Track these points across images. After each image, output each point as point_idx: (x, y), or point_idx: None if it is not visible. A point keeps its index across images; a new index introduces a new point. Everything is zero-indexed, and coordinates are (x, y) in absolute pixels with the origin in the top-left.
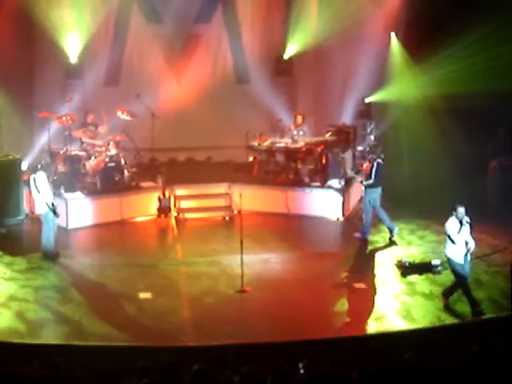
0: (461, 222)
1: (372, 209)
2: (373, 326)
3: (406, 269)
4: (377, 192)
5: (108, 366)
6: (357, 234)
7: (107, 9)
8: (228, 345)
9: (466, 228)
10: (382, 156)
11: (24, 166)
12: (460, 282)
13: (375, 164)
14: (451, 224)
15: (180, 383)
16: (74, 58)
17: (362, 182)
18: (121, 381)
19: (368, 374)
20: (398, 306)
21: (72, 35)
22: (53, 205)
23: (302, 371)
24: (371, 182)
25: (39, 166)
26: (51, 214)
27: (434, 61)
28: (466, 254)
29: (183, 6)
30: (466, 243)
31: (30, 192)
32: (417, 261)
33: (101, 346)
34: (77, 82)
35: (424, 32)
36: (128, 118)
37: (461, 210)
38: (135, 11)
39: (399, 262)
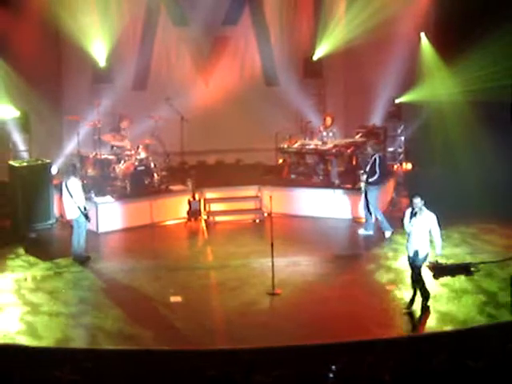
0: (415, 214)
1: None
2: (404, 328)
3: (438, 270)
4: (379, 189)
5: (138, 370)
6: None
7: (135, 13)
8: (259, 348)
9: (420, 221)
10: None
11: (54, 170)
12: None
13: (377, 159)
14: (406, 214)
15: None
16: (102, 63)
17: (366, 179)
18: None
19: (401, 376)
20: (429, 307)
21: (100, 39)
22: (85, 209)
23: (331, 375)
24: (376, 177)
25: (69, 171)
26: (83, 218)
27: (465, 61)
28: (416, 247)
29: (210, 9)
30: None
31: (61, 196)
32: (449, 262)
33: (131, 350)
34: (105, 86)
35: (454, 32)
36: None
37: (415, 200)
38: (163, 14)
39: (431, 263)
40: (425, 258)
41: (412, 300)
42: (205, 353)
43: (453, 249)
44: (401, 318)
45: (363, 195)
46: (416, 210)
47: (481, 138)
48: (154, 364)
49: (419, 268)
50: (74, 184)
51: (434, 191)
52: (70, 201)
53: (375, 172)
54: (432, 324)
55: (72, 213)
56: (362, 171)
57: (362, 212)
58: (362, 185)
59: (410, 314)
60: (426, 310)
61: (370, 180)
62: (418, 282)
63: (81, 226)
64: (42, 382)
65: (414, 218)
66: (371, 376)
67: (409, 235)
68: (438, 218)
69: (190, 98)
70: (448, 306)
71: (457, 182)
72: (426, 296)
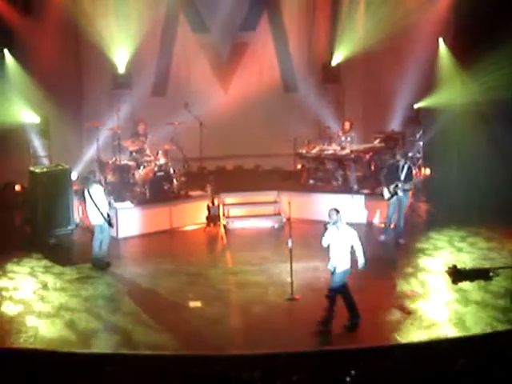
0: (332, 227)
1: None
2: (424, 334)
3: (457, 275)
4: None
5: (158, 374)
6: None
7: (154, 19)
8: (278, 353)
9: (338, 235)
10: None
11: (74, 176)
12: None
13: (411, 166)
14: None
15: None
16: (121, 69)
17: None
18: None
19: (420, 381)
20: (449, 313)
21: (119, 46)
22: (108, 216)
23: (348, 379)
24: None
25: (92, 178)
26: (106, 224)
27: (483, 66)
28: (334, 262)
29: (229, 15)
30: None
31: (81, 202)
32: (468, 267)
33: (151, 354)
34: (124, 92)
35: (472, 37)
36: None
37: (331, 214)
38: (181, 21)
39: (450, 268)
40: (343, 274)
41: (351, 317)
42: (224, 358)
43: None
44: (420, 323)
45: (396, 202)
46: (331, 223)
47: (499, 143)
48: (172, 369)
49: (339, 283)
50: (97, 191)
51: (453, 196)
52: (94, 207)
53: (411, 179)
54: (451, 329)
55: (95, 218)
56: (398, 180)
57: (387, 219)
58: (400, 192)
59: (430, 320)
60: (353, 327)
61: (406, 187)
62: (345, 298)
63: (104, 231)
64: None
65: (330, 232)
66: (390, 381)
67: (329, 250)
68: (456, 221)
69: (208, 104)
70: (467, 310)
71: (476, 186)
72: (356, 312)
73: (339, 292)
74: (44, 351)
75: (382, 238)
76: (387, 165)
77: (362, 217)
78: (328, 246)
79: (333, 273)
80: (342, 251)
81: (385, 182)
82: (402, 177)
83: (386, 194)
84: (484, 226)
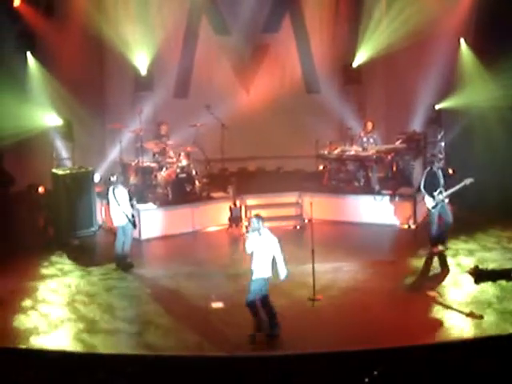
0: (253, 233)
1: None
2: (446, 334)
3: (479, 275)
4: None
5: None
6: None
7: (176, 21)
8: (300, 354)
9: (259, 242)
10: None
11: (96, 178)
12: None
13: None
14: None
15: None
16: (143, 71)
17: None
18: None
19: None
20: (473, 314)
21: (142, 48)
22: (133, 216)
23: (366, 380)
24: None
25: (113, 179)
26: (130, 225)
27: (505, 66)
28: (252, 268)
29: (251, 17)
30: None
31: (104, 204)
32: (490, 268)
33: (174, 356)
34: (147, 94)
35: (494, 37)
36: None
37: (252, 221)
38: (203, 23)
39: (472, 268)
40: (263, 281)
41: (271, 326)
42: (245, 358)
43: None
44: (443, 324)
45: (437, 212)
46: (252, 230)
47: None
48: (194, 370)
49: (257, 290)
50: (121, 192)
51: (475, 197)
52: (118, 209)
53: (452, 183)
54: (476, 329)
55: (119, 220)
56: (440, 187)
57: (431, 226)
58: (445, 199)
59: (452, 321)
60: (272, 335)
61: (451, 192)
62: (263, 305)
63: (127, 232)
64: None
65: (252, 239)
66: (413, 382)
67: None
68: (478, 221)
69: (230, 106)
70: (488, 310)
71: (498, 187)
72: (275, 322)
73: (259, 299)
74: (64, 352)
75: (438, 248)
76: (425, 173)
77: (383, 217)
78: (252, 254)
79: (253, 280)
80: (263, 259)
81: (426, 190)
82: (443, 182)
83: (430, 203)
84: (506, 226)
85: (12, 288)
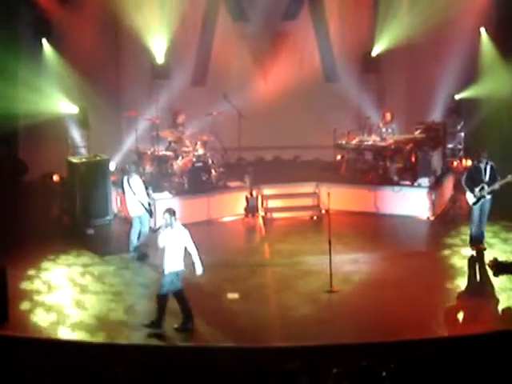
0: (166, 228)
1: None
2: (467, 327)
3: (498, 268)
4: None
5: (196, 366)
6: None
7: (194, 8)
8: (317, 345)
9: (171, 236)
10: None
11: (112, 166)
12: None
13: (493, 166)
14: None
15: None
16: (160, 58)
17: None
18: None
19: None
20: (492, 306)
21: (159, 35)
22: (149, 204)
23: (389, 373)
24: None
25: (131, 169)
26: (146, 215)
27: None
28: (165, 263)
29: (270, 4)
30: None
31: (120, 193)
32: (510, 260)
33: (188, 346)
34: (163, 82)
35: None
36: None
37: (164, 215)
38: (222, 10)
39: (491, 261)
40: (175, 275)
41: (184, 320)
42: (262, 350)
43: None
44: (461, 316)
45: (480, 207)
46: (165, 225)
47: None
48: (211, 360)
49: (169, 284)
50: (136, 181)
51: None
52: (134, 198)
53: (496, 180)
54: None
55: (135, 209)
56: (482, 182)
57: (471, 225)
58: (487, 195)
59: (470, 314)
60: (184, 329)
61: (494, 188)
62: (179, 301)
63: (144, 222)
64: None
65: (165, 233)
66: (431, 374)
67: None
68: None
69: (248, 94)
70: (508, 302)
71: None
72: (188, 316)
73: (172, 293)
74: (78, 341)
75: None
76: (468, 169)
77: (401, 208)
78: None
79: (165, 274)
80: (175, 252)
81: (467, 186)
82: (487, 178)
83: (471, 199)
84: None
85: (26, 277)
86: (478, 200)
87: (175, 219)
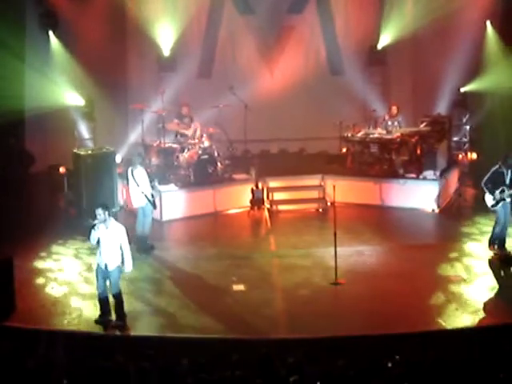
0: (98, 225)
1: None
2: (471, 319)
3: (506, 261)
4: None
5: (202, 358)
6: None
7: (200, 1)
8: (322, 337)
9: (107, 233)
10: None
11: (118, 158)
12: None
13: None
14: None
15: (275, 375)
16: (166, 51)
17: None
18: (215, 373)
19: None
20: (496, 299)
21: (165, 28)
22: (152, 197)
23: (393, 365)
24: None
25: (136, 160)
26: (150, 206)
27: None
28: (105, 261)
29: None
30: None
31: (125, 185)
32: None
33: (195, 337)
34: (170, 74)
35: None
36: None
37: (97, 212)
38: (228, 3)
39: (497, 254)
40: (118, 271)
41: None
42: (267, 341)
43: None
44: (465, 309)
45: (501, 210)
46: (99, 222)
47: None
48: (215, 352)
49: (119, 279)
50: (140, 173)
51: None
52: (137, 189)
53: None
54: (496, 315)
55: (138, 201)
56: (503, 185)
57: (493, 231)
58: (508, 198)
59: (477, 306)
60: (119, 326)
61: (508, 193)
62: (115, 294)
63: (147, 214)
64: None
65: (97, 230)
66: (434, 367)
67: (99, 248)
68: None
69: (254, 87)
70: None
71: None
72: (121, 306)
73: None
74: (87, 333)
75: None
76: (491, 171)
77: (407, 201)
78: (98, 244)
79: (105, 271)
80: (112, 249)
81: (488, 188)
82: (507, 181)
83: (490, 201)
84: None
85: (33, 268)
86: (497, 203)
87: (109, 215)
